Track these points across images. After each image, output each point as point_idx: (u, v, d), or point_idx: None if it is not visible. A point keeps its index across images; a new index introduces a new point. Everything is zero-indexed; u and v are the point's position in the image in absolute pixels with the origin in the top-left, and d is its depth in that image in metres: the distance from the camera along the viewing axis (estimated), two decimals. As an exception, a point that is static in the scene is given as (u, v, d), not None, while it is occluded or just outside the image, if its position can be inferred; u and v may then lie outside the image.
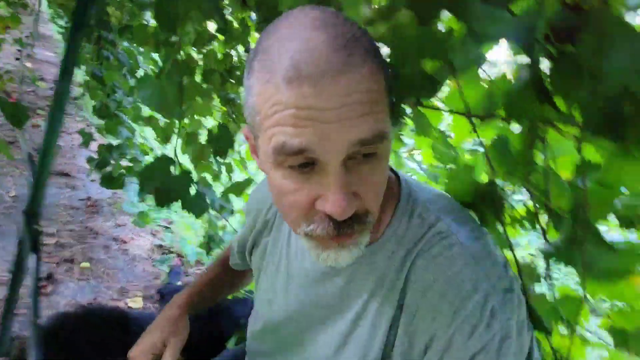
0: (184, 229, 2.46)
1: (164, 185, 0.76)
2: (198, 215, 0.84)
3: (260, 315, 0.62)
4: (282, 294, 0.58)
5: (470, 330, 0.41)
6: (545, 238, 0.49)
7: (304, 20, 0.35)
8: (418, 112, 0.61)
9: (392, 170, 0.52)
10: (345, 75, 0.32)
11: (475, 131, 0.53)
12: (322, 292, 0.52)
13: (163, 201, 0.76)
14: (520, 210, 0.53)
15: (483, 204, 0.53)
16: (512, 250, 0.52)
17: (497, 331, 0.41)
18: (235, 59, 1.33)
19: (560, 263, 0.44)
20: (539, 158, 0.47)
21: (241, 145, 1.54)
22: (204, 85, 1.24)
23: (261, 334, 0.62)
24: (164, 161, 0.77)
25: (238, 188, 1.02)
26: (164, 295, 1.62)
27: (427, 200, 0.49)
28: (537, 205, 0.50)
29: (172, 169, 0.78)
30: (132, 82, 1.88)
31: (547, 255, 0.45)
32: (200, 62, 1.32)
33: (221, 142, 0.88)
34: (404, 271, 0.46)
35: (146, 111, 1.73)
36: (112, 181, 1.93)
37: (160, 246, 2.33)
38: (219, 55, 1.34)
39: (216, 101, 1.39)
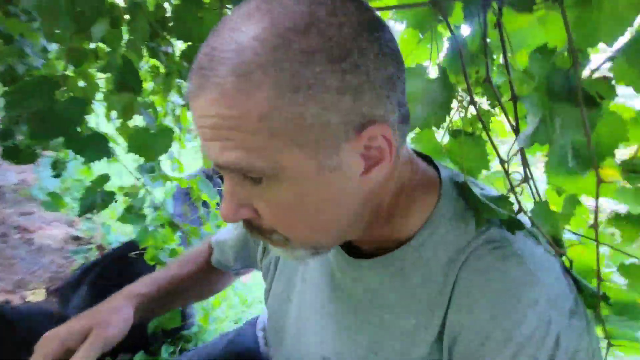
0: (108, 217, 2.18)
1: (45, 113, 0.58)
2: (89, 160, 0.67)
3: (279, 310, 0.56)
4: (298, 296, 0.53)
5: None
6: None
7: (234, 13, 0.32)
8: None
9: (432, 164, 0.45)
10: (197, 99, 0.31)
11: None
12: (342, 300, 0.46)
13: (40, 132, 0.58)
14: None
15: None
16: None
17: None
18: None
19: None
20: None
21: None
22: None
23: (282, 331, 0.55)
24: (48, 83, 0.60)
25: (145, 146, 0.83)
26: (63, 293, 1.38)
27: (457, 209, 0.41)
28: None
29: (58, 94, 0.61)
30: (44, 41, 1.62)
31: (526, 144, 0.39)
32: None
33: (127, 77, 0.72)
34: (448, 285, 0.38)
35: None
36: (18, 154, 1.63)
37: (77, 237, 2.04)
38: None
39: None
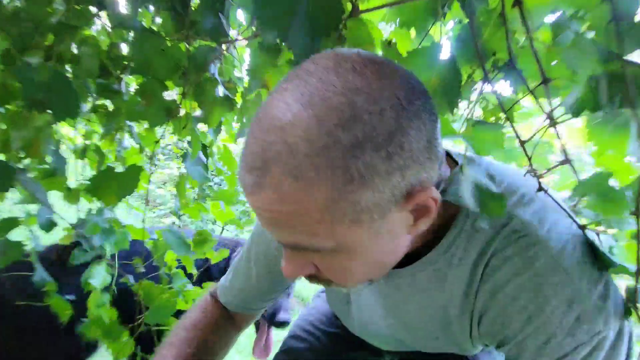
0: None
1: None
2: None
3: (341, 310, 0.67)
4: (356, 299, 0.60)
5: (545, 339, 0.38)
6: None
7: (274, 104, 0.32)
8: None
9: (449, 157, 0.48)
10: (254, 196, 0.33)
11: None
12: (390, 302, 0.54)
13: None
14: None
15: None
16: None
17: (583, 342, 0.37)
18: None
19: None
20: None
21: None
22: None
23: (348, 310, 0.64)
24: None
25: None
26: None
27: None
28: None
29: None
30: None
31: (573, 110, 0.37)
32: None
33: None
34: (477, 274, 0.43)
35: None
36: None
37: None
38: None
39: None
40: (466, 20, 0.44)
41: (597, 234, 0.42)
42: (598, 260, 0.40)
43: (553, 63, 0.44)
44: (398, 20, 0.53)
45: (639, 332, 0.45)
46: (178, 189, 0.96)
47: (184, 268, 0.99)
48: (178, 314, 0.79)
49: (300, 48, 0.44)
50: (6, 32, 0.67)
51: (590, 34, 0.38)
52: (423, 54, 0.45)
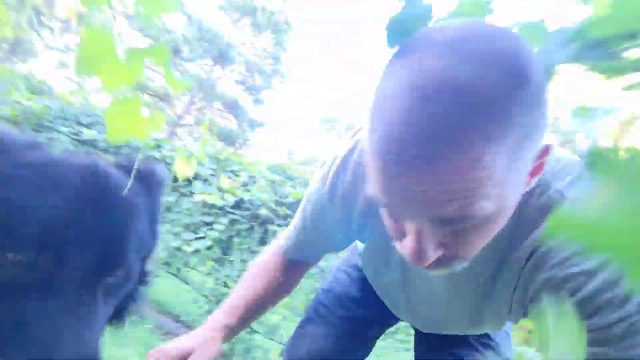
0: None
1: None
2: None
3: (384, 289, 0.71)
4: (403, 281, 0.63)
5: (610, 294, 0.39)
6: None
7: (408, 79, 0.33)
8: None
9: None
10: (423, 175, 0.33)
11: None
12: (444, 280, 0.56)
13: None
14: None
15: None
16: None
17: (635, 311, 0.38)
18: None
19: None
20: None
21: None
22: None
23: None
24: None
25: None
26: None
27: (548, 178, 0.45)
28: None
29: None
30: None
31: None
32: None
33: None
34: (527, 247, 0.46)
35: None
36: None
37: None
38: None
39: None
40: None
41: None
42: None
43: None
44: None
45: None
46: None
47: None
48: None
49: None
50: None
51: None
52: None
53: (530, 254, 0.46)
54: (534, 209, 0.44)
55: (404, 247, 0.39)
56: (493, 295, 0.53)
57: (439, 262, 0.40)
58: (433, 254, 0.38)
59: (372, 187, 0.38)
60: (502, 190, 0.34)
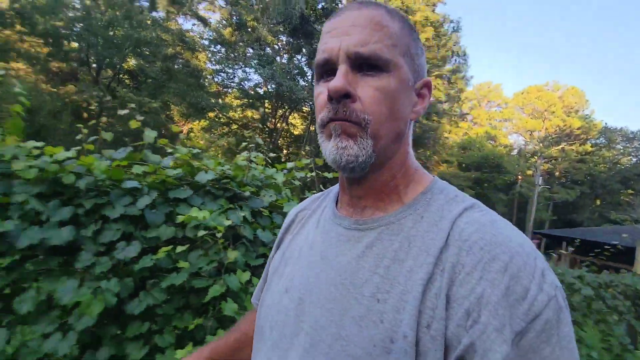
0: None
1: None
2: None
3: (271, 310, 0.61)
4: (301, 271, 0.59)
5: (522, 290, 0.40)
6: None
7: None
8: None
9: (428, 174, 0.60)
10: (361, 10, 0.52)
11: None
12: (338, 261, 0.54)
13: None
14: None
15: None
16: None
17: (551, 296, 0.41)
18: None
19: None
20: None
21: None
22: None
23: (272, 325, 0.59)
24: None
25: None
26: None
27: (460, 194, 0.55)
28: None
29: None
30: None
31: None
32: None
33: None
34: (443, 231, 0.48)
35: None
36: None
37: None
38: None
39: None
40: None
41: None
42: None
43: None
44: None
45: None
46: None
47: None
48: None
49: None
50: None
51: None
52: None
53: (446, 240, 0.46)
54: (443, 201, 0.53)
55: (330, 87, 0.49)
56: (391, 283, 0.47)
57: (345, 110, 0.50)
58: (348, 85, 0.49)
59: (318, 53, 0.54)
60: (401, 60, 0.52)
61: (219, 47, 18.45)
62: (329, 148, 0.51)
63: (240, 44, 17.72)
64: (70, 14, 14.65)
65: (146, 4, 16.65)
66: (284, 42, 18.96)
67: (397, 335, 0.43)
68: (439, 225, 0.49)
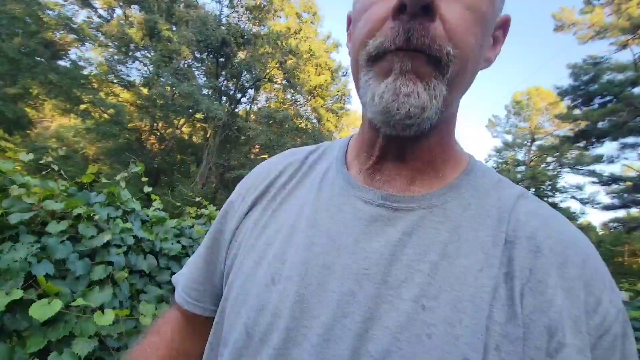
0: None
1: None
2: None
3: (245, 308, 0.43)
4: (298, 256, 0.42)
5: (594, 303, 0.35)
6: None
7: None
8: None
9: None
10: None
11: None
12: (361, 247, 0.40)
13: None
14: None
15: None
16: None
17: (620, 308, 0.36)
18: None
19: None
20: None
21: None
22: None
23: (257, 327, 0.41)
24: None
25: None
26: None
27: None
28: None
29: None
30: None
31: None
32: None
33: None
34: (501, 225, 0.39)
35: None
36: None
37: None
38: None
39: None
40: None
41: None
42: None
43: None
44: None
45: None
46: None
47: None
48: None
49: None
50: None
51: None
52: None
53: (505, 237, 0.38)
54: (489, 185, 0.44)
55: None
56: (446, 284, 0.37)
57: (420, 62, 0.36)
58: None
59: None
60: None
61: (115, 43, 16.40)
62: (381, 90, 0.37)
63: (153, 52, 16.44)
64: None
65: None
66: (199, 58, 18.01)
67: (451, 357, 0.33)
68: (491, 217, 0.40)
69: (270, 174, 0.53)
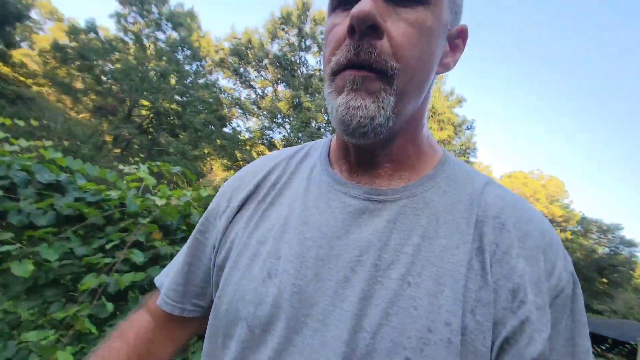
0: None
1: None
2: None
3: (244, 302, 0.46)
4: (293, 250, 0.45)
5: (550, 268, 0.40)
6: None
7: None
8: None
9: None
10: None
11: None
12: (353, 238, 0.44)
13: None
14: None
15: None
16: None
17: (570, 271, 0.41)
18: None
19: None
20: None
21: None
22: None
23: (254, 319, 0.44)
24: None
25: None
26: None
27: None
28: None
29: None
30: None
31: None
32: None
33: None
34: (471, 207, 0.44)
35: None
36: None
37: None
38: None
39: None
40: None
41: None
42: None
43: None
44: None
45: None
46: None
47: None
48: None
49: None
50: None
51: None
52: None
53: (476, 217, 0.43)
54: (461, 174, 0.49)
55: (353, 11, 0.38)
56: (428, 265, 0.41)
57: (370, 58, 0.40)
58: (372, 11, 0.38)
59: None
60: (440, 7, 0.43)
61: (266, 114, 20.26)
62: (337, 104, 0.41)
63: (294, 121, 19.52)
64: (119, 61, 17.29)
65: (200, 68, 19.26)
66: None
67: (435, 324, 0.37)
68: (463, 201, 0.45)
69: (256, 174, 0.56)
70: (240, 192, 0.55)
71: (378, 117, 0.40)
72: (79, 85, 17.40)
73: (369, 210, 0.45)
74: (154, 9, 18.38)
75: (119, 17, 17.99)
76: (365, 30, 0.39)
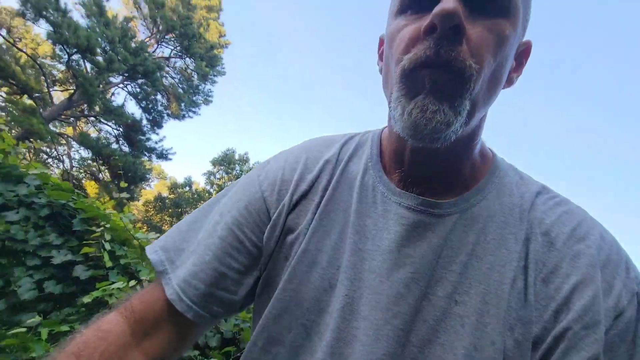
0: None
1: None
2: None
3: (301, 310, 0.45)
4: (346, 261, 0.45)
5: (607, 287, 0.38)
6: None
7: None
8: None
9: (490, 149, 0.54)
10: None
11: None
12: (406, 253, 0.44)
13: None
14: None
15: None
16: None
17: (634, 292, 0.39)
18: None
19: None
20: None
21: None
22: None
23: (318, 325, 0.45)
24: None
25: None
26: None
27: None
28: None
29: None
30: None
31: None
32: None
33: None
34: (521, 222, 0.44)
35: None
36: None
37: None
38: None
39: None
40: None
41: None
42: None
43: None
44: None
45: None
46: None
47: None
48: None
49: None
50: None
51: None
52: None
53: (525, 233, 0.42)
54: (512, 184, 0.47)
55: (437, 9, 0.37)
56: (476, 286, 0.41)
57: (446, 80, 0.38)
58: (458, 9, 0.37)
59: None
60: (520, 5, 0.41)
61: None
62: (410, 107, 0.39)
63: None
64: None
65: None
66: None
67: (481, 342, 0.38)
68: (514, 215, 0.44)
69: (308, 168, 0.53)
70: (291, 185, 0.52)
71: (455, 123, 0.39)
72: (166, 227, 20.16)
73: (423, 224, 0.45)
74: (237, 167, 22.28)
75: (210, 174, 22.05)
76: (447, 31, 0.37)
